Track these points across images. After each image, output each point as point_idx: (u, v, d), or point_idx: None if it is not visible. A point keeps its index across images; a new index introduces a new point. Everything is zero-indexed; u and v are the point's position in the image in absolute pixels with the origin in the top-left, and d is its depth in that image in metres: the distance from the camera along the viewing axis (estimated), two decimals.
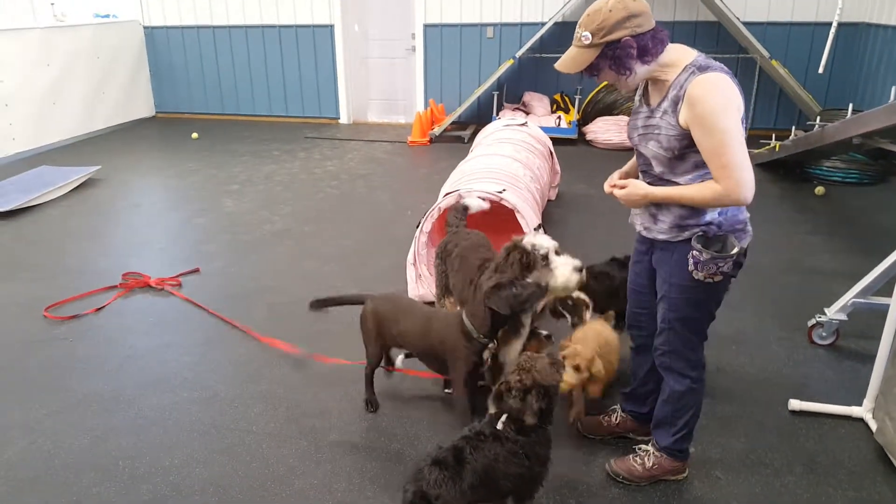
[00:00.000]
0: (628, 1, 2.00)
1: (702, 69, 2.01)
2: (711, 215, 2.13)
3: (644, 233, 2.32)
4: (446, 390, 3.04)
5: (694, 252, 2.07)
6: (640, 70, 2.08)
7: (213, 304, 3.94)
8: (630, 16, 2.00)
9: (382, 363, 3.06)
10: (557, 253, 2.54)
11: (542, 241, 2.53)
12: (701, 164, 2.08)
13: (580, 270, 2.50)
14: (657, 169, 2.19)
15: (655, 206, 2.23)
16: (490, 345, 2.61)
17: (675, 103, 2.04)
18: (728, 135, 1.95)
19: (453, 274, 3.07)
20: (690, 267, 2.11)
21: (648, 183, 2.27)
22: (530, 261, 2.47)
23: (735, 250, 2.04)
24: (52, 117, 8.07)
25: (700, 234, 2.12)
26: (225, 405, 3.00)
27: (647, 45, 2.03)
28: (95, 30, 8.73)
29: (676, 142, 2.07)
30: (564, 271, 2.47)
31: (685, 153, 2.08)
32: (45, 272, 4.47)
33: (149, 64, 9.73)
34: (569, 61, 2.12)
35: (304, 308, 3.88)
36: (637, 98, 2.28)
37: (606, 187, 2.51)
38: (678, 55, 2.07)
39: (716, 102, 1.96)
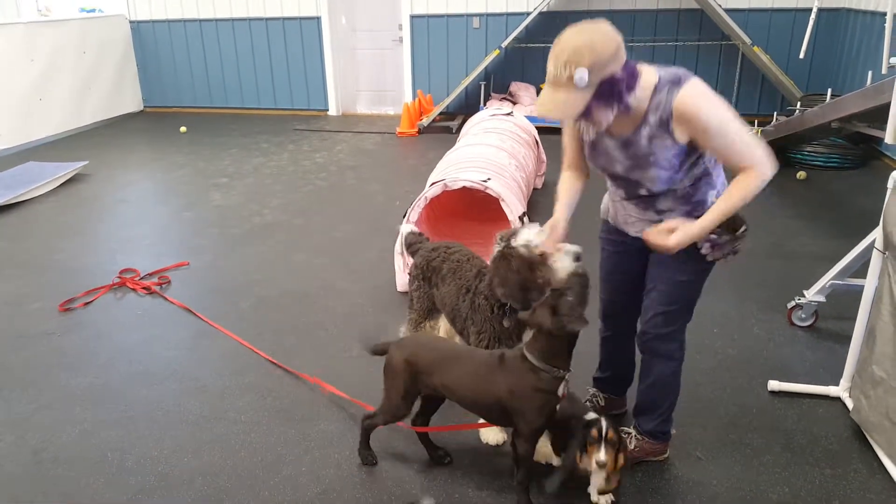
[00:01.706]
0: (605, 27, 1.81)
1: (676, 83, 1.91)
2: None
3: (641, 235, 2.23)
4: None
5: (712, 236, 2.07)
6: (632, 101, 1.88)
7: (203, 299, 3.96)
8: (618, 45, 1.80)
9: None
10: None
11: (532, 237, 2.36)
12: (696, 165, 2.07)
13: (579, 258, 2.35)
14: (656, 188, 2.07)
15: (656, 213, 2.18)
16: (567, 375, 2.21)
17: (665, 125, 1.94)
18: (730, 126, 1.92)
19: (443, 286, 2.77)
20: (705, 251, 2.11)
21: (634, 204, 2.21)
22: (532, 264, 2.35)
23: (743, 227, 2.08)
24: (38, 113, 8.03)
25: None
26: (213, 396, 3.03)
27: (634, 72, 1.86)
28: (81, 24, 8.68)
29: (677, 159, 2.00)
30: (565, 264, 2.35)
31: (684, 161, 2.04)
32: (33, 268, 4.47)
33: (136, 58, 9.69)
34: (561, 106, 1.83)
35: (293, 301, 3.95)
36: (587, 128, 2.10)
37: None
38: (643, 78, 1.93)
39: (708, 107, 1.91)
